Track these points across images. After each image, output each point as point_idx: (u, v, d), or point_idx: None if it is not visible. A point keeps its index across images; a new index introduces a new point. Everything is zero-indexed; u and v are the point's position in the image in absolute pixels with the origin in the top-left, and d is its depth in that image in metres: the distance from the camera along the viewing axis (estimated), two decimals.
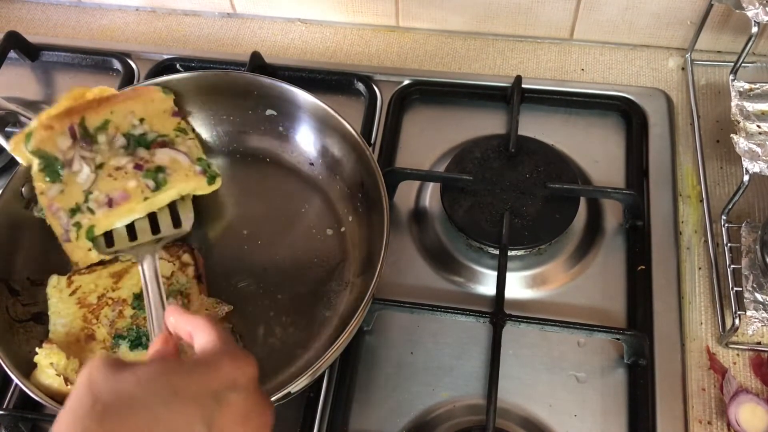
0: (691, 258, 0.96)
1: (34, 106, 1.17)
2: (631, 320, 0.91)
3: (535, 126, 1.08)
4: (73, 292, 0.87)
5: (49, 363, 0.78)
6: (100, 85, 1.18)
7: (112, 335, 0.85)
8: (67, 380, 0.77)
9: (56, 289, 0.88)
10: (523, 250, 0.95)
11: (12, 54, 1.19)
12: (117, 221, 0.88)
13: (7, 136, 1.01)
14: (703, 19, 1.10)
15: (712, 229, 0.97)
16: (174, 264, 0.91)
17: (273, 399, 0.73)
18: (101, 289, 0.88)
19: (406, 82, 1.14)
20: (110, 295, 0.87)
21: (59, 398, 0.77)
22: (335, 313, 0.89)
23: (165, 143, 0.93)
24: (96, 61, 1.22)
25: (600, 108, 1.11)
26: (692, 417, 0.85)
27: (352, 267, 0.92)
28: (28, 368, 0.79)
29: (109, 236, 0.88)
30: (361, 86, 1.14)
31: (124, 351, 0.84)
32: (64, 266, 0.92)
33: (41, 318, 0.87)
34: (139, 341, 0.84)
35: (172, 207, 0.91)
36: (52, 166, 0.87)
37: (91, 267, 0.91)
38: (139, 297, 0.87)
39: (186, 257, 0.91)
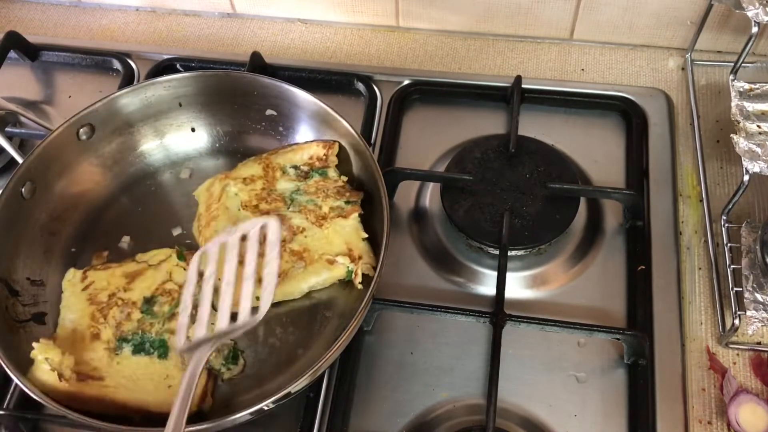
0: (691, 258, 0.96)
1: (34, 106, 1.18)
2: (631, 320, 0.91)
3: (535, 126, 1.08)
4: (86, 288, 0.87)
5: (44, 358, 0.78)
6: (101, 84, 1.19)
7: (117, 337, 0.85)
8: (61, 376, 0.77)
9: (70, 282, 0.88)
10: (523, 250, 0.95)
11: (12, 54, 1.19)
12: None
13: (8, 137, 1.02)
14: (703, 19, 1.10)
15: (712, 229, 0.97)
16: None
17: (273, 399, 0.73)
18: (113, 287, 0.88)
19: (406, 82, 1.14)
20: (121, 295, 0.87)
21: (54, 395, 0.77)
22: (335, 313, 0.89)
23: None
24: (96, 61, 1.22)
25: (600, 108, 1.11)
26: (692, 417, 0.85)
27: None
28: (28, 368, 0.79)
29: None
30: (361, 86, 1.14)
31: (126, 355, 0.84)
32: (65, 267, 0.93)
33: (41, 318, 0.87)
34: (142, 347, 0.84)
35: None
36: None
37: (106, 264, 0.91)
38: (149, 302, 0.87)
39: None
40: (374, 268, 0.87)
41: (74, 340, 0.83)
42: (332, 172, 0.96)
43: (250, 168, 0.98)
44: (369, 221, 0.92)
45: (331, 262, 0.88)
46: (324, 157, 0.96)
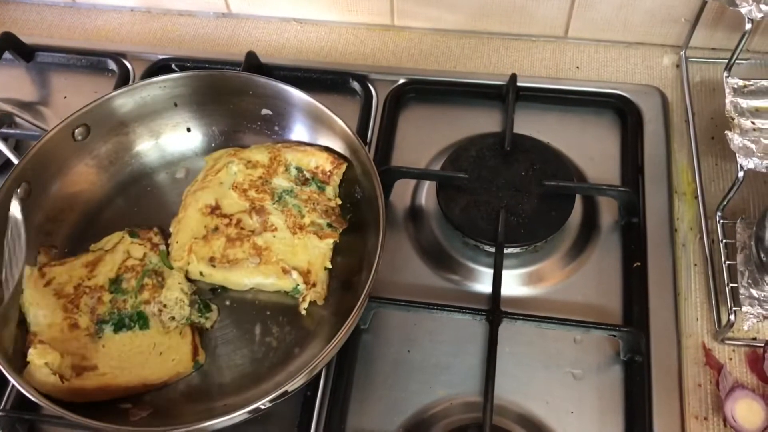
0: (687, 254, 0.97)
1: (30, 107, 1.18)
2: (627, 317, 0.91)
3: (530, 124, 1.08)
4: (48, 284, 0.87)
5: (43, 363, 0.78)
6: (96, 84, 1.19)
7: (95, 321, 0.85)
8: (62, 377, 0.78)
9: (30, 278, 0.87)
10: (519, 248, 0.95)
11: (7, 55, 1.19)
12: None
13: (3, 138, 1.02)
14: (697, 17, 1.10)
15: (708, 226, 0.97)
16: (145, 245, 0.92)
17: (270, 398, 0.73)
18: (76, 278, 0.88)
19: (402, 80, 1.14)
20: (87, 283, 0.88)
21: (54, 394, 0.77)
22: (332, 312, 0.89)
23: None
24: (91, 61, 1.22)
25: (595, 105, 1.11)
26: (688, 413, 0.85)
27: (349, 265, 0.92)
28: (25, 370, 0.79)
29: None
30: (356, 85, 1.14)
31: (108, 335, 0.85)
32: None
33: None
34: (122, 323, 0.86)
35: None
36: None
37: (62, 260, 0.91)
38: (115, 281, 0.89)
39: (156, 238, 0.93)
40: (324, 299, 0.88)
41: (53, 335, 0.83)
42: (330, 190, 0.96)
43: (259, 153, 0.98)
44: (365, 221, 0.92)
45: (285, 272, 0.88)
46: (328, 173, 0.96)
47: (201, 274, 0.90)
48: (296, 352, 0.86)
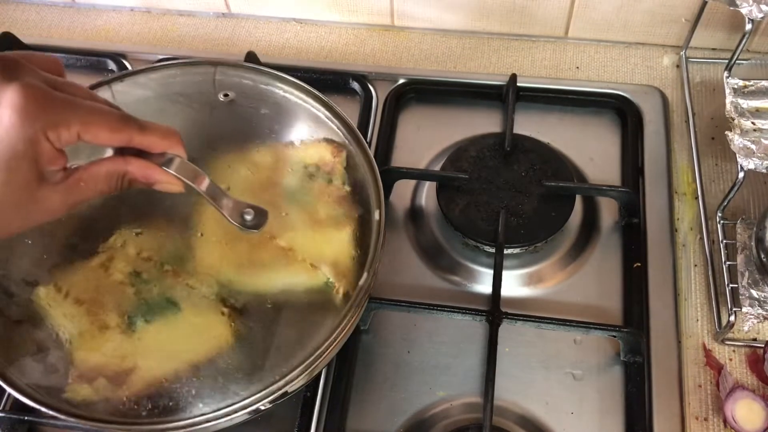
0: (687, 255, 0.97)
1: None
2: (628, 317, 0.91)
3: (530, 124, 1.08)
4: (66, 296, 0.87)
5: (82, 399, 0.78)
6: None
7: (124, 316, 0.85)
8: (108, 400, 0.78)
9: (51, 299, 0.87)
10: (519, 249, 0.95)
11: None
12: None
13: None
14: (697, 17, 1.10)
15: (708, 226, 0.97)
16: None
17: (270, 399, 0.73)
18: (93, 281, 0.88)
19: (402, 81, 1.14)
20: (105, 282, 0.87)
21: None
22: (332, 312, 0.89)
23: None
24: (91, 61, 1.21)
25: (595, 106, 1.11)
26: (689, 414, 0.85)
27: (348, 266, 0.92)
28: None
29: None
30: (356, 85, 1.14)
31: (142, 327, 0.84)
32: (60, 267, 0.92)
33: (37, 320, 0.87)
34: (152, 312, 0.85)
35: None
36: None
37: (72, 266, 0.91)
38: (134, 274, 0.88)
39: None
40: (355, 289, 0.86)
41: (87, 344, 0.83)
42: (337, 180, 0.96)
43: (261, 156, 0.98)
44: (365, 221, 0.92)
45: (314, 268, 0.88)
46: (331, 164, 0.96)
47: (229, 281, 0.89)
48: (296, 352, 0.86)
